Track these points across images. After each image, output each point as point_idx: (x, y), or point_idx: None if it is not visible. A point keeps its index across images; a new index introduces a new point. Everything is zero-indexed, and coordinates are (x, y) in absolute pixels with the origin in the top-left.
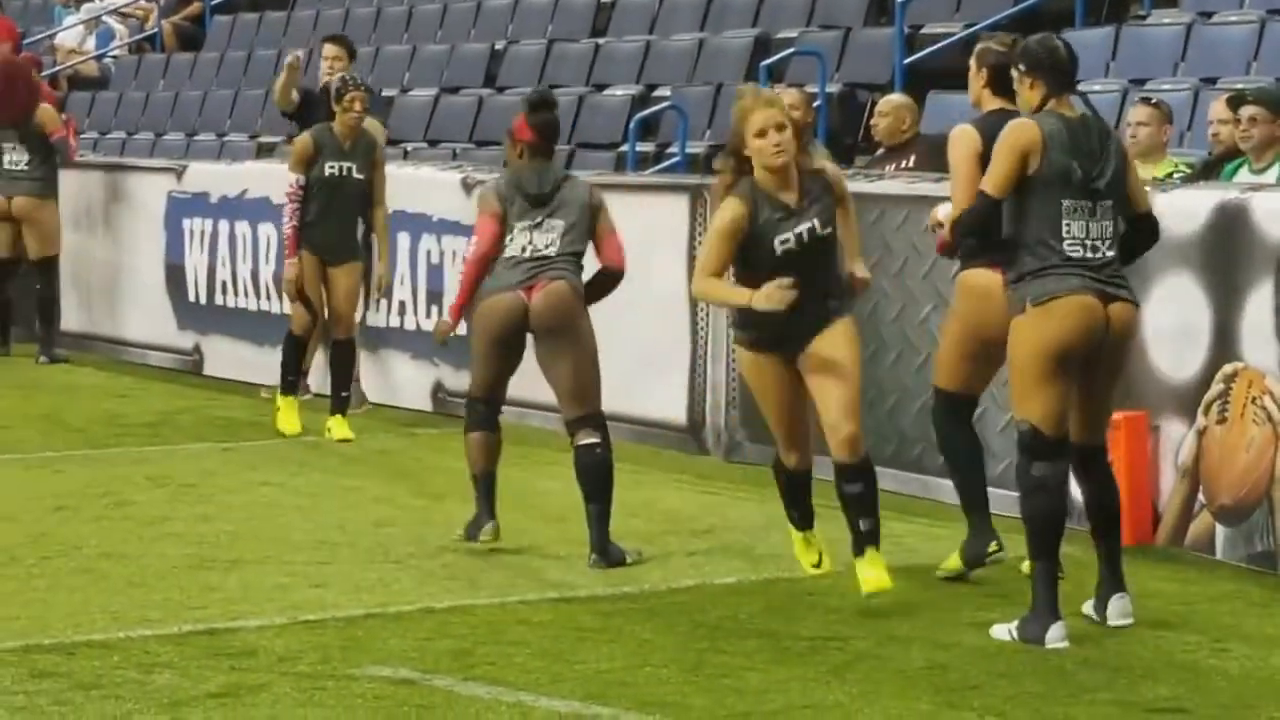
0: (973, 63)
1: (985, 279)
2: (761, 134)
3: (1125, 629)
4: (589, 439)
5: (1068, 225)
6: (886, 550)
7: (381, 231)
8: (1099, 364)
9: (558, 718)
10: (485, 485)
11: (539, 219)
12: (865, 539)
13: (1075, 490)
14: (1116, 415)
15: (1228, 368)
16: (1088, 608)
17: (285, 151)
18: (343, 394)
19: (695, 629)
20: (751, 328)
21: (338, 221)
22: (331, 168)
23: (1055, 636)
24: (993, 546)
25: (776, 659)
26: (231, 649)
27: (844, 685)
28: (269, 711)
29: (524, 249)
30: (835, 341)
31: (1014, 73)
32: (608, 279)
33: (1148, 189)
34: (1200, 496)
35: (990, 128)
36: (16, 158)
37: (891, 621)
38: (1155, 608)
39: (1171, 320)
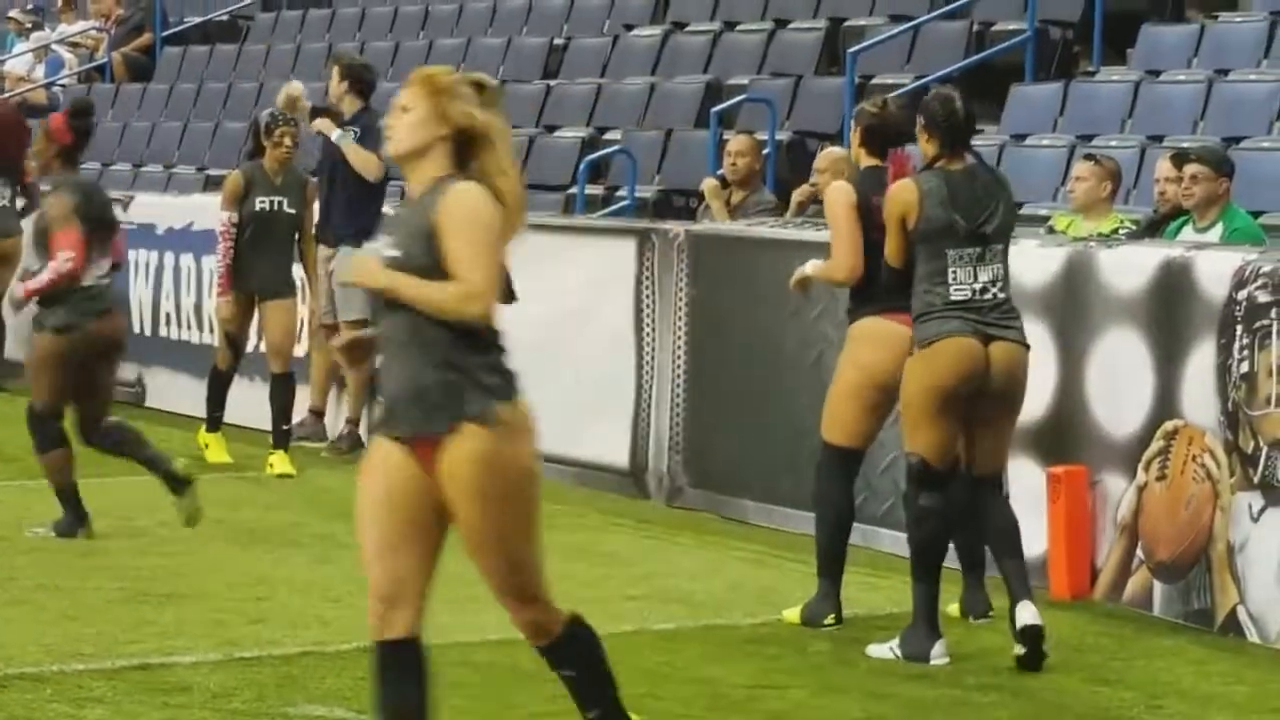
0: (853, 123)
1: (879, 326)
2: None
3: (1063, 685)
4: None
5: (954, 272)
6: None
7: (312, 266)
8: (988, 399)
9: None
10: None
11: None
12: None
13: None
14: (1057, 470)
15: (1169, 425)
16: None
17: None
18: (283, 428)
19: (633, 674)
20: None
21: (271, 257)
22: (263, 203)
23: (939, 653)
24: (829, 619)
25: (713, 706)
26: (166, 685)
27: None
28: None
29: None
30: None
31: (917, 127)
32: None
33: (1090, 244)
34: (1139, 552)
35: (864, 182)
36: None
37: (829, 671)
38: (1092, 663)
39: (1114, 376)
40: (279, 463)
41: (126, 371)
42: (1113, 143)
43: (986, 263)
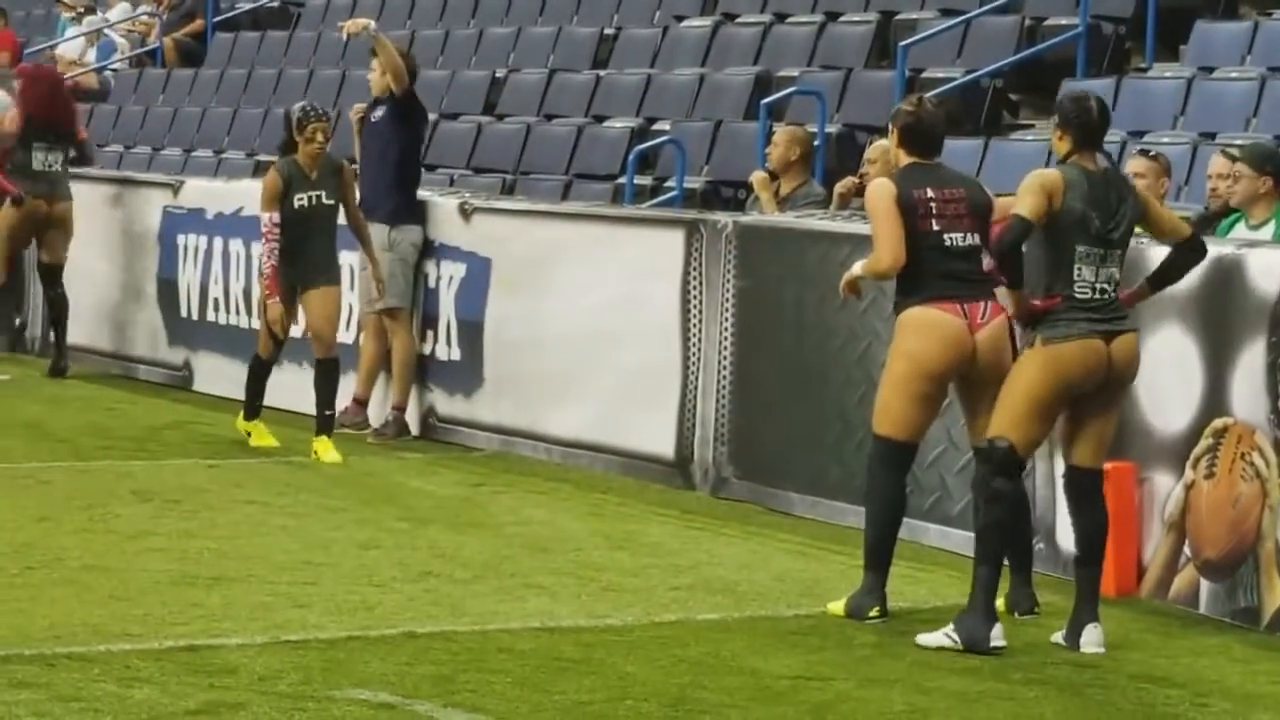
0: (890, 123)
1: (926, 315)
2: None
3: (1110, 681)
4: None
5: (1079, 269)
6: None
7: (366, 235)
8: (1105, 392)
9: None
10: None
11: None
12: None
13: (1064, 540)
14: (1106, 465)
15: (1218, 423)
16: (1056, 637)
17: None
18: (327, 413)
19: (677, 664)
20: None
21: (312, 249)
22: (301, 199)
23: (997, 635)
24: (874, 613)
25: (756, 697)
26: (212, 666)
27: None
28: None
29: None
30: None
31: (1052, 125)
32: None
33: (1142, 241)
34: (1186, 550)
35: (904, 178)
36: (51, 159)
37: (873, 663)
38: (1138, 660)
39: (1163, 373)
40: (324, 450)
41: (174, 355)
42: (1164, 139)
43: (1107, 264)
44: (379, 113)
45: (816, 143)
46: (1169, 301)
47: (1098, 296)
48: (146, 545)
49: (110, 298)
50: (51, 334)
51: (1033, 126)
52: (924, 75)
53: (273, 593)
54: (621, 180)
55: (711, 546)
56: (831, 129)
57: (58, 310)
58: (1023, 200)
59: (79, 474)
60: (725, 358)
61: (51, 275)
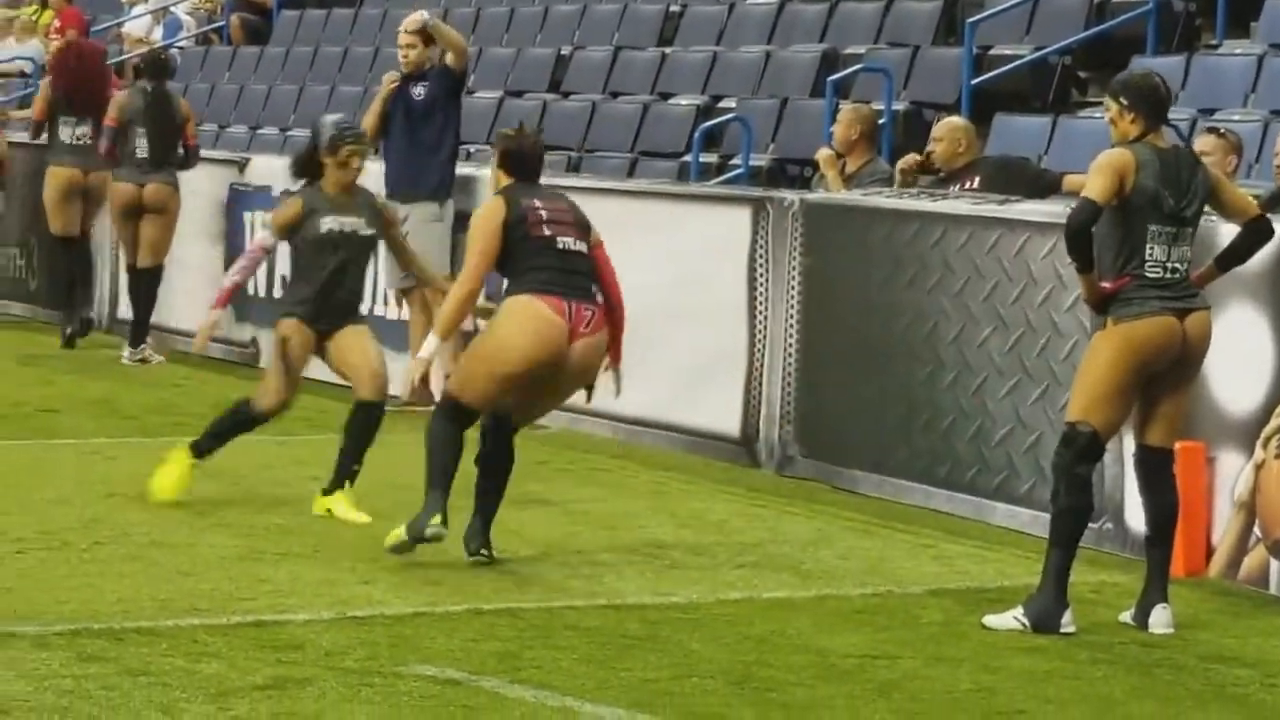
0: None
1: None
2: None
3: (1178, 661)
4: None
5: (1151, 248)
6: (937, 573)
7: (428, 274)
8: (1179, 369)
9: None
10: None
11: None
12: None
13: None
14: (1174, 446)
15: None
16: (1125, 617)
17: None
18: (355, 468)
19: (742, 642)
20: None
21: (346, 284)
22: (330, 223)
23: (1068, 620)
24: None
25: (822, 675)
26: (279, 642)
27: (889, 704)
28: (315, 706)
29: None
30: None
31: (1114, 105)
32: None
33: (1210, 218)
34: (1256, 530)
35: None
36: (80, 132)
37: (940, 642)
38: (1207, 640)
39: (1233, 352)
40: (345, 506)
41: (242, 333)
42: (1235, 116)
43: (1179, 243)
44: (420, 89)
45: (882, 121)
46: (1239, 280)
47: (1169, 275)
48: (213, 522)
49: (176, 274)
50: (80, 301)
51: (1102, 104)
52: (992, 52)
53: (339, 569)
54: (687, 158)
55: (776, 524)
56: (898, 106)
57: (72, 280)
58: (1093, 182)
59: (147, 450)
60: (791, 336)
61: (74, 242)
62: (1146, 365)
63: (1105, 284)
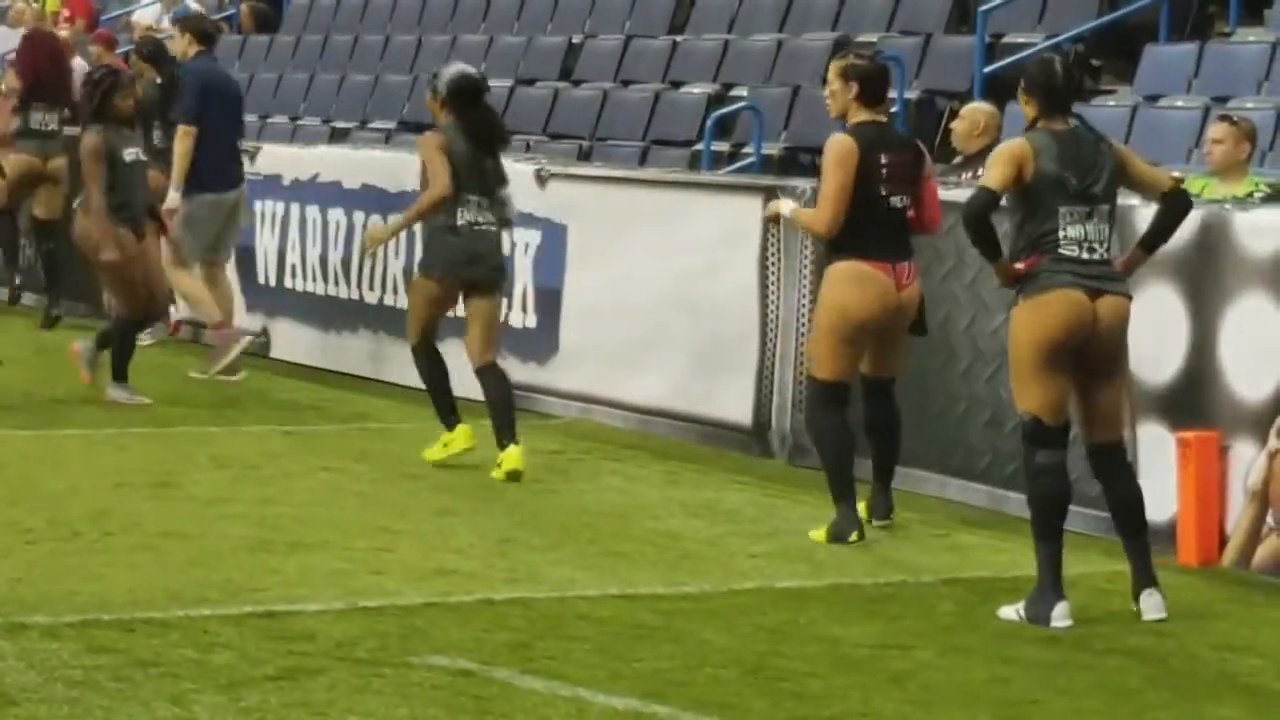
0: (836, 76)
1: (856, 268)
2: None
3: (1192, 651)
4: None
5: (1065, 228)
6: (950, 562)
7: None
8: (1095, 356)
9: (615, 715)
10: None
11: None
12: None
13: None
14: (1187, 435)
15: None
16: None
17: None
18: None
19: (755, 631)
20: None
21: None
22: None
23: (1059, 614)
24: (853, 537)
25: (836, 665)
26: (290, 632)
27: (904, 694)
28: (326, 696)
29: None
30: None
31: (1019, 90)
32: None
33: (1226, 206)
34: (1269, 520)
35: (863, 136)
36: (48, 118)
37: (954, 632)
38: (1220, 630)
39: (1247, 340)
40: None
41: (252, 322)
42: (1249, 104)
43: (1095, 220)
44: None
45: (894, 109)
46: (1253, 267)
47: (1086, 254)
48: (224, 511)
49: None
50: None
51: (1114, 92)
52: (1004, 40)
53: (350, 559)
54: (699, 146)
55: (790, 514)
56: (911, 95)
57: (51, 264)
58: (989, 172)
59: (157, 440)
60: (803, 324)
61: (46, 230)
62: (1057, 341)
63: (1019, 265)
